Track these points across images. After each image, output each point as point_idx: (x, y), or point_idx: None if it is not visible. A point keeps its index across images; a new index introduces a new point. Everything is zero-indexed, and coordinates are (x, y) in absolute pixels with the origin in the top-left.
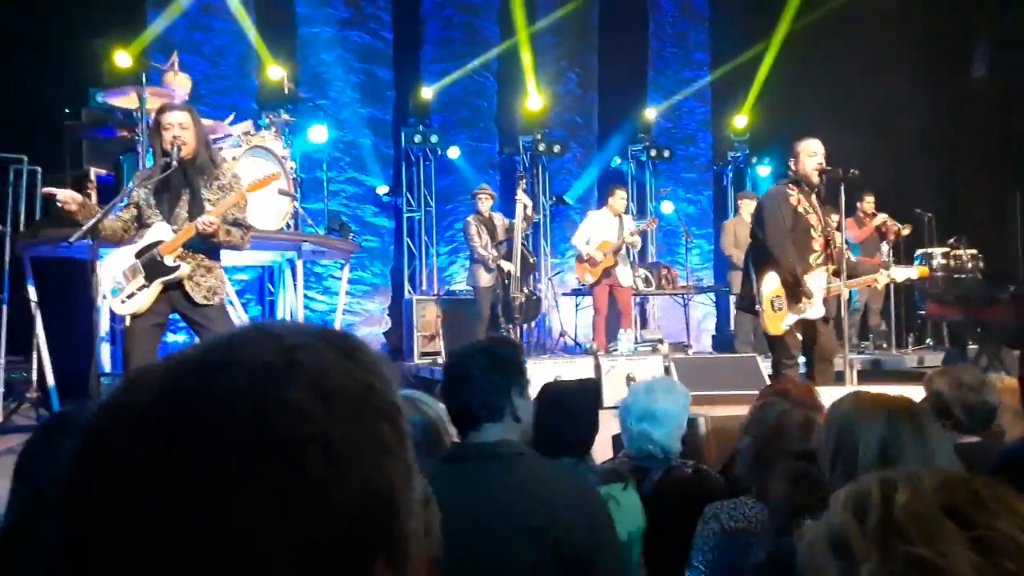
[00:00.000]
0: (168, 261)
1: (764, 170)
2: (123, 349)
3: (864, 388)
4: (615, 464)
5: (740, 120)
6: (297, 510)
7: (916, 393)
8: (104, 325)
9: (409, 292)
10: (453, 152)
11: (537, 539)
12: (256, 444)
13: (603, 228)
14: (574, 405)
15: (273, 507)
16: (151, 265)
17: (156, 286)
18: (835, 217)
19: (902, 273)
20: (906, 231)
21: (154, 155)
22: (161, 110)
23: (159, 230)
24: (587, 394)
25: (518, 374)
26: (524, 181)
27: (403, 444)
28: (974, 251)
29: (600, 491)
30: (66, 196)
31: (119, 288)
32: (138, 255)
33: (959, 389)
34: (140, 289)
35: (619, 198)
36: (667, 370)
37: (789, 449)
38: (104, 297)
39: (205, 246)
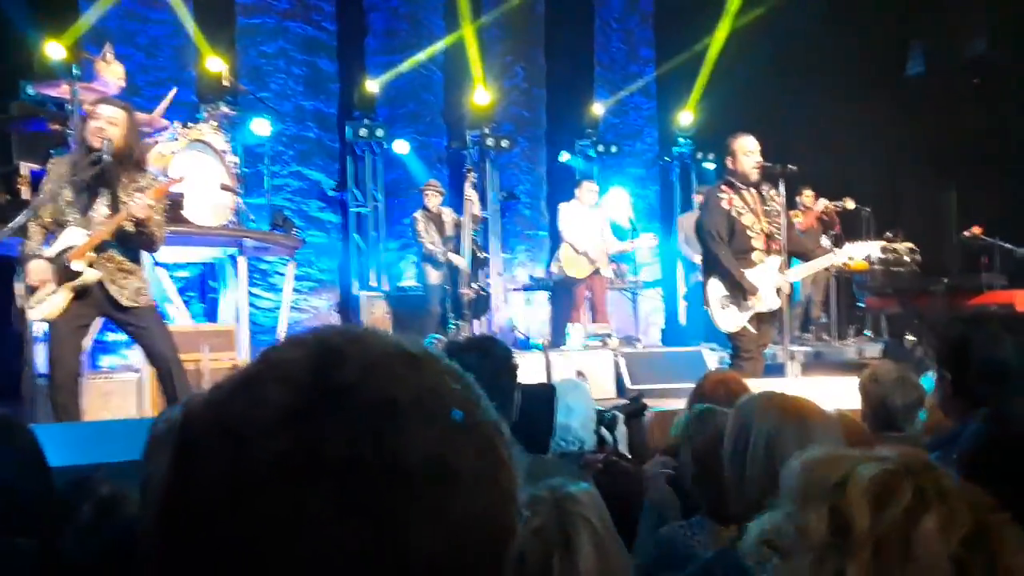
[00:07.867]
0: (74, 266)
1: (711, 165)
2: (48, 351)
3: (772, 386)
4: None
5: (685, 116)
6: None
7: (853, 383)
8: (41, 325)
9: (357, 288)
10: (402, 146)
11: None
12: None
13: (584, 221)
14: (530, 409)
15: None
16: (60, 271)
17: (65, 291)
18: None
19: (859, 250)
20: (850, 205)
21: (78, 145)
22: (96, 101)
23: (71, 235)
24: (544, 398)
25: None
26: (472, 175)
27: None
28: (911, 244)
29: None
30: None
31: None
32: (51, 260)
33: (879, 385)
34: (51, 295)
35: (587, 191)
36: (616, 365)
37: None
38: (24, 307)
39: (121, 248)
